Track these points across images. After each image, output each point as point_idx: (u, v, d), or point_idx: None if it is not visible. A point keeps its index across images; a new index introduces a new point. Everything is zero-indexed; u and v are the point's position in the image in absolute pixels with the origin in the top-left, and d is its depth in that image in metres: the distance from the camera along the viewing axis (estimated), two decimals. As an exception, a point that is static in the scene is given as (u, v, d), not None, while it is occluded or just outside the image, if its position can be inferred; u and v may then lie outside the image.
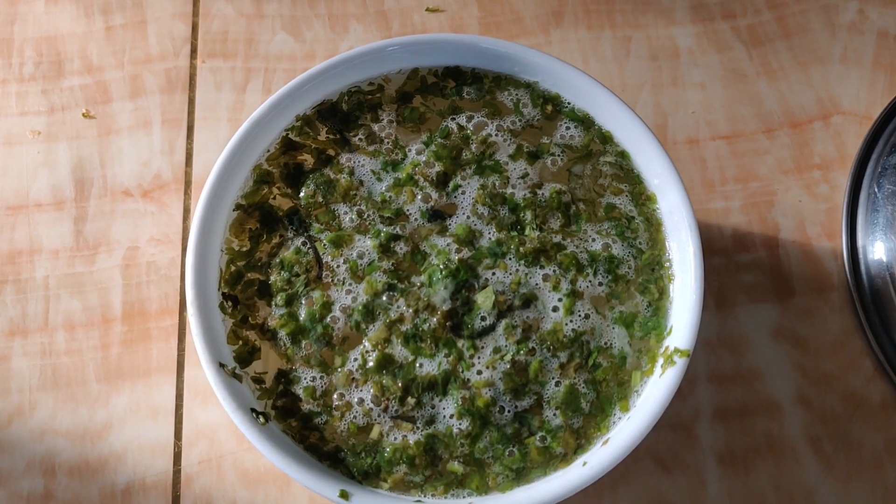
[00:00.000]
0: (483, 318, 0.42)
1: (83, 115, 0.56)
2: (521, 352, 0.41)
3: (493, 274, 0.43)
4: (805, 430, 0.49)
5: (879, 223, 0.51)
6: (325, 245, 0.43)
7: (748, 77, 0.57)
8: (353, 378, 0.41)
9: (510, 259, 0.43)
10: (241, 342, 0.42)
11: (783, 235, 0.53)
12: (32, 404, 0.50)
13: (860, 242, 0.52)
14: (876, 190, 0.52)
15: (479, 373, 0.41)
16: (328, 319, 0.42)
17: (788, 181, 0.54)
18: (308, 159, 0.45)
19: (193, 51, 0.58)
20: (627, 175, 0.45)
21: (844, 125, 0.55)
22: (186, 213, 0.54)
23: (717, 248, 0.53)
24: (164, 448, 0.49)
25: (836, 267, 0.52)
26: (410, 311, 0.42)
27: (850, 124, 0.55)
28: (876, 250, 0.51)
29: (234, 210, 0.44)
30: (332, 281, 0.43)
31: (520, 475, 0.40)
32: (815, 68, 0.57)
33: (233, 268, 0.43)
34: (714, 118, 0.55)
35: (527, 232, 0.43)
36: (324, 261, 0.43)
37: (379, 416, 0.41)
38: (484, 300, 0.42)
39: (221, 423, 0.49)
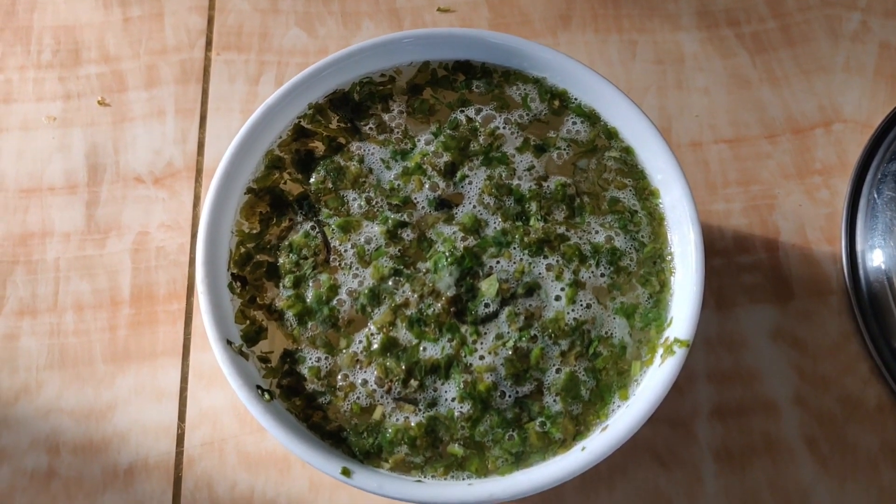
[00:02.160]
0: (486, 305, 0.42)
1: (98, 102, 0.57)
2: (523, 339, 0.42)
3: (498, 262, 0.43)
4: (802, 431, 0.49)
5: (878, 229, 0.52)
6: (333, 230, 0.44)
7: (751, 83, 0.58)
8: (358, 360, 0.42)
9: (514, 248, 0.44)
10: (248, 321, 0.43)
11: (783, 238, 0.54)
12: (39, 383, 0.50)
13: (859, 247, 0.53)
14: (875, 196, 0.53)
15: (482, 358, 0.42)
16: (335, 302, 0.43)
17: (789, 185, 0.55)
18: (319, 146, 0.46)
19: (208, 43, 0.59)
20: (631, 170, 0.46)
21: (845, 133, 0.56)
22: (197, 200, 0.55)
23: (718, 249, 0.53)
24: (168, 430, 0.49)
25: (835, 271, 0.53)
26: (415, 296, 0.43)
27: (851, 132, 0.56)
28: (875, 256, 0.52)
29: (245, 193, 0.45)
30: (340, 265, 0.44)
31: (519, 459, 0.40)
32: (818, 76, 0.58)
33: (242, 249, 0.44)
34: (717, 122, 0.56)
35: (531, 222, 0.44)
36: (332, 245, 0.44)
37: (382, 397, 0.41)
38: (488, 287, 0.43)
39: (225, 406, 0.50)
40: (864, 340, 0.51)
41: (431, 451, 0.40)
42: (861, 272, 0.52)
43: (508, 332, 0.42)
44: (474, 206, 0.45)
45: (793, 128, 0.56)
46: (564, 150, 0.46)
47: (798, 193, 0.55)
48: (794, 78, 0.58)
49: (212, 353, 0.41)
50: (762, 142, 0.56)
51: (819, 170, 0.55)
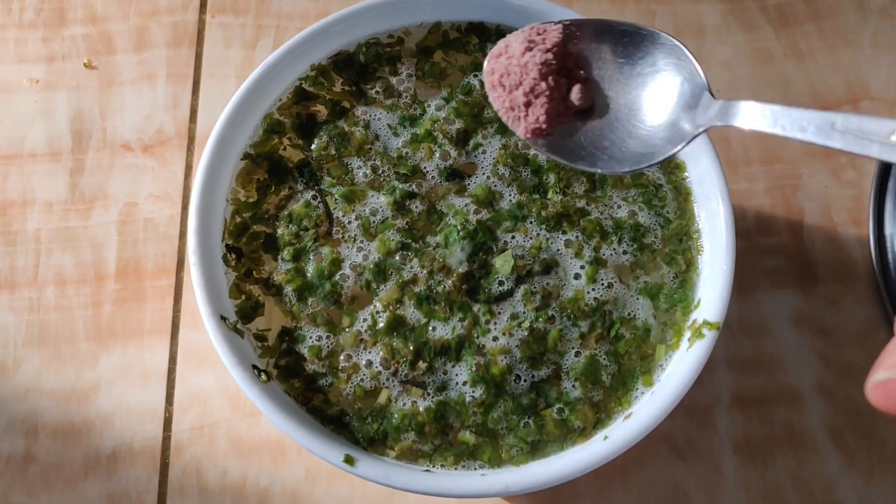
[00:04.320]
0: (501, 283, 0.39)
1: (85, 65, 0.54)
2: (540, 319, 0.39)
3: (513, 237, 0.40)
4: (826, 422, 0.47)
5: (908, 211, 0.50)
6: (336, 200, 0.41)
7: (775, 58, 0.55)
8: (362, 339, 0.39)
9: (531, 223, 0.41)
10: (243, 296, 0.40)
11: (808, 220, 0.51)
12: (17, 361, 0.47)
13: (888, 231, 0.50)
14: (905, 177, 0.50)
15: (495, 339, 0.39)
16: (337, 277, 0.40)
17: (815, 165, 0.52)
18: (322, 110, 0.43)
19: (203, 5, 0.56)
20: (656, 142, 0.43)
21: (873, 110, 0.53)
22: (188, 170, 0.51)
23: (739, 230, 0.50)
24: (154, 413, 0.46)
25: (861, 255, 0.50)
26: (424, 272, 0.40)
27: (879, 110, 0.53)
28: (903, 240, 0.49)
29: (241, 159, 0.42)
30: (343, 237, 0.41)
31: (535, 448, 0.37)
32: (845, 52, 0.55)
33: (238, 219, 0.41)
34: (739, 98, 0.53)
35: (549, 195, 0.41)
36: (334, 216, 0.41)
37: (388, 380, 0.38)
38: (502, 264, 0.40)
39: (216, 389, 0.47)
40: (892, 328, 0.48)
41: (441, 438, 0.38)
42: (889, 256, 0.49)
43: (524, 312, 0.39)
44: (488, 177, 0.42)
45: (818, 105, 0.53)
46: (585, 119, 0.43)
47: (823, 174, 0.52)
48: (820, 53, 0.55)
49: (203, 332, 0.38)
50: (786, 119, 0.53)
51: (846, 149, 0.52)
